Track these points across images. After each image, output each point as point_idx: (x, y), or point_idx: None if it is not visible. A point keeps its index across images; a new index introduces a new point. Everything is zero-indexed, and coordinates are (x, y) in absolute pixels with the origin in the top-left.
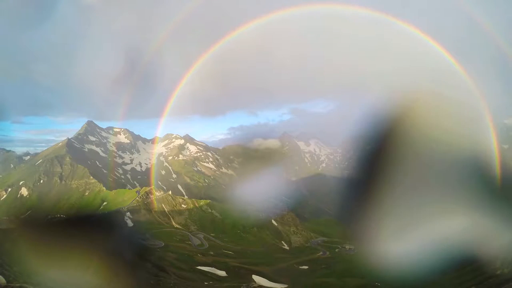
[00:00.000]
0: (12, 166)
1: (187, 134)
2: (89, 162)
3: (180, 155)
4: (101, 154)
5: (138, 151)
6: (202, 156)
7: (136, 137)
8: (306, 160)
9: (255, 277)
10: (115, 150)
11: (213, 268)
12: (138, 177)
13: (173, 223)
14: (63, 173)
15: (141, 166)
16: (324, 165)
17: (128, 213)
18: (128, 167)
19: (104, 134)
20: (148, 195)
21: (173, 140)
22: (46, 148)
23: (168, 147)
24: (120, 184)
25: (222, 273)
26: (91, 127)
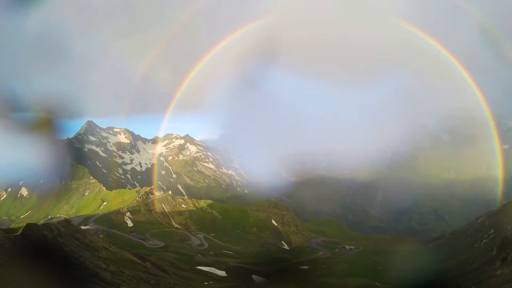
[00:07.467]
0: None
1: (187, 134)
2: (89, 162)
3: (180, 155)
4: (101, 154)
5: (138, 151)
6: (202, 156)
7: (136, 137)
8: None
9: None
10: (115, 150)
11: (213, 268)
12: (138, 177)
13: (173, 223)
14: (63, 173)
15: (141, 166)
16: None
17: (128, 213)
18: (128, 167)
19: (104, 134)
20: (148, 195)
21: (173, 140)
22: None
23: (168, 147)
24: (120, 184)
25: (222, 273)
26: (91, 127)
